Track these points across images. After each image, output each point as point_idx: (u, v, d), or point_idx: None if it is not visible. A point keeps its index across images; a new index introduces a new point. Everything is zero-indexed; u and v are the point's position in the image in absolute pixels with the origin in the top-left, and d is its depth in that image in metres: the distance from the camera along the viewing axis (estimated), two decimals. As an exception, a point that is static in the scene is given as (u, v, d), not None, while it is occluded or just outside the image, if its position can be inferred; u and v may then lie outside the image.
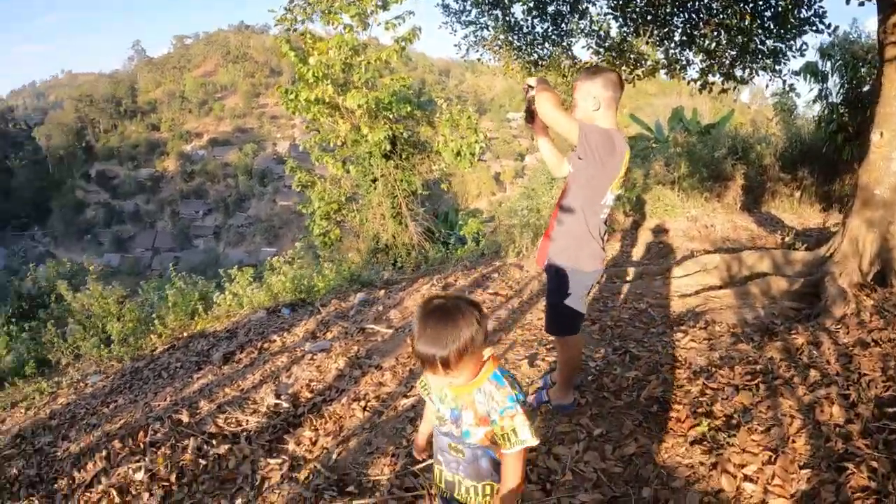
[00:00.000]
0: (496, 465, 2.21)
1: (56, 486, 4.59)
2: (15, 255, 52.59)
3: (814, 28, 7.46)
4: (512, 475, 2.13)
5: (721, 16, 7.63)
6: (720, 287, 6.17)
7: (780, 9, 7.35)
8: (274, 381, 5.68)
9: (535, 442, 2.10)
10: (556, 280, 3.59)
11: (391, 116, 13.51)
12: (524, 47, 9.67)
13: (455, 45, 11.38)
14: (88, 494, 4.31)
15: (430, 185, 17.07)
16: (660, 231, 8.21)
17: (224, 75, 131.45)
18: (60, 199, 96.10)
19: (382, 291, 8.65)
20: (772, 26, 7.62)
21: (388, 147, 13.41)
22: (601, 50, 9.61)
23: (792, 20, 7.39)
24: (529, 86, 3.37)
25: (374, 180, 14.17)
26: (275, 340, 6.98)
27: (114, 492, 4.22)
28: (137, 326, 9.03)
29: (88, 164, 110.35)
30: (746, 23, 7.30)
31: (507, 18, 9.48)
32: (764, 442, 3.03)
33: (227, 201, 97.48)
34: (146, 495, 4.11)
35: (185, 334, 8.36)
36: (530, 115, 3.44)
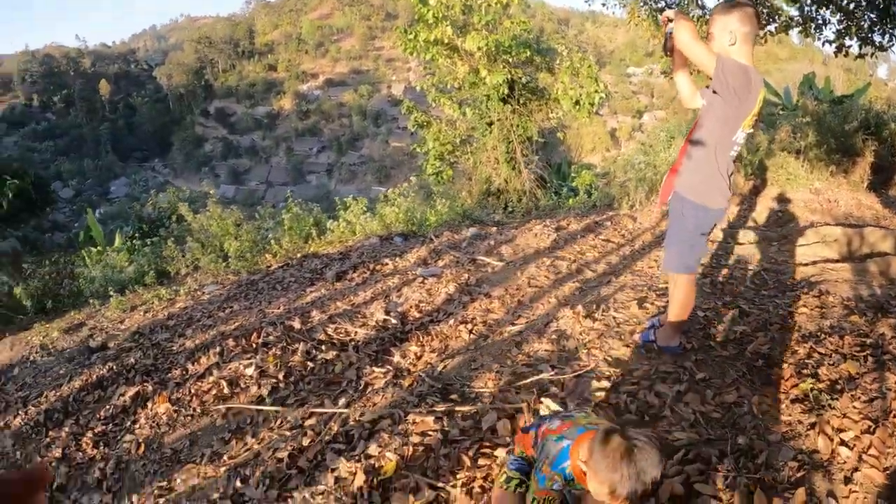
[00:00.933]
0: None
1: (169, 375, 4.90)
2: (136, 184, 56.12)
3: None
4: None
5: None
6: (838, 261, 5.87)
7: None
8: (384, 299, 5.80)
9: None
10: (680, 214, 3.54)
11: (510, 60, 13.33)
12: None
13: None
14: (199, 384, 4.58)
15: (546, 135, 16.85)
16: (780, 200, 7.78)
17: (340, 18, 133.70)
18: (180, 134, 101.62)
19: (494, 228, 8.65)
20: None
21: (506, 91, 13.29)
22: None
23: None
24: (668, 18, 3.28)
25: (490, 124, 14.09)
26: (387, 264, 7.11)
27: (224, 383, 4.48)
28: (253, 246, 9.44)
29: (207, 102, 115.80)
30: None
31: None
32: (865, 411, 2.90)
33: (341, 140, 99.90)
34: (254, 388, 4.33)
35: (298, 255, 8.65)
36: (669, 48, 3.35)
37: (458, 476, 2.84)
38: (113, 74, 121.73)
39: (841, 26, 8.16)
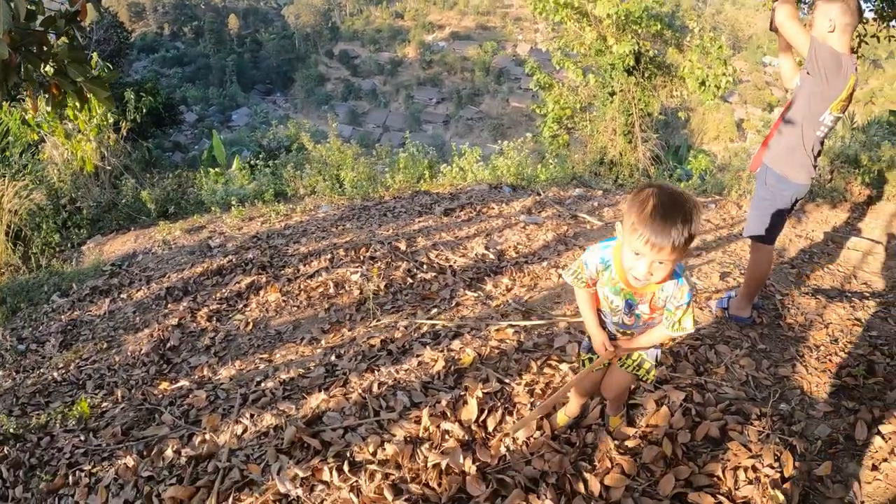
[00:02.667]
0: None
1: (282, 272, 5.44)
2: (257, 114, 58.41)
3: None
4: (661, 336, 2.34)
5: None
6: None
7: None
8: (486, 236, 6.14)
9: (692, 329, 2.26)
10: (763, 183, 3.77)
11: (639, 31, 13.15)
12: None
13: None
14: (309, 282, 5.09)
15: (668, 114, 16.58)
16: (893, 216, 7.54)
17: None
18: (303, 72, 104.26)
19: (600, 192, 8.81)
20: None
21: (632, 62, 13.13)
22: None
23: None
24: None
25: (612, 94, 14.00)
26: (493, 208, 7.43)
27: (331, 283, 4.98)
28: (368, 178, 10.00)
29: (332, 43, 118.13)
30: None
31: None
32: None
33: (461, 93, 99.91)
34: (356, 292, 4.79)
35: (409, 191, 9.10)
36: (774, 27, 3.58)
37: (523, 377, 3.19)
38: (242, 10, 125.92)
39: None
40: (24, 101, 10.20)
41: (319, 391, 3.22)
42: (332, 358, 3.67)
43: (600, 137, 14.50)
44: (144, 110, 12.21)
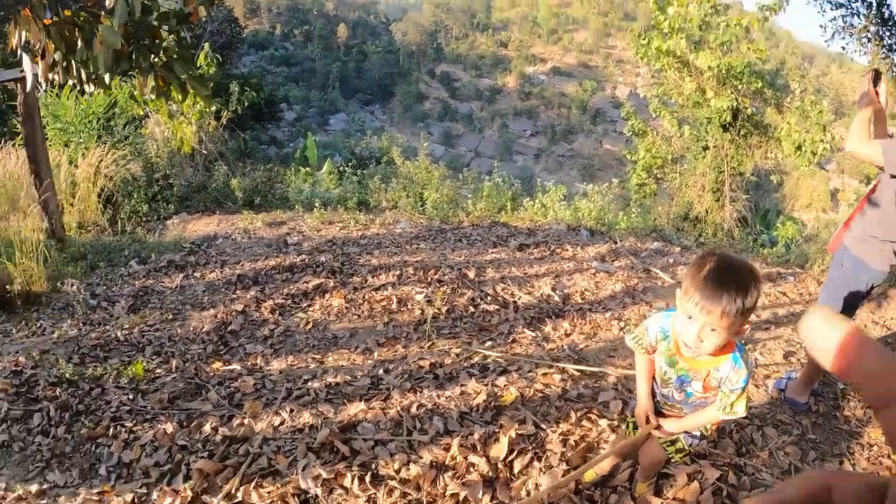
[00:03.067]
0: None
1: (351, 279, 5.57)
2: (354, 122, 59.78)
3: None
4: (710, 419, 2.28)
5: None
6: None
7: None
8: (554, 277, 6.14)
9: (744, 414, 2.20)
10: (839, 264, 3.65)
11: (739, 87, 12.94)
12: (895, 46, 8.70)
13: (820, 27, 10.54)
14: (374, 294, 5.20)
15: (760, 176, 16.17)
16: None
17: (578, 9, 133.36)
18: (403, 87, 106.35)
19: (678, 248, 8.68)
20: None
21: (729, 118, 12.88)
22: None
23: None
24: (876, 71, 3.50)
25: (706, 148, 13.76)
26: (567, 249, 7.43)
27: (395, 298, 5.07)
28: (451, 201, 10.16)
29: (435, 63, 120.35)
30: None
31: (883, 10, 8.55)
32: None
33: (555, 129, 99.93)
34: (418, 311, 4.86)
35: (489, 220, 9.19)
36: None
37: (560, 425, 3.17)
38: (352, 21, 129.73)
39: None
40: (134, 77, 10.80)
41: (360, 400, 3.30)
42: (380, 371, 3.75)
43: (688, 192, 14.25)
44: (246, 103, 12.72)
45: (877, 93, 3.49)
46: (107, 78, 2.93)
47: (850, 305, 3.69)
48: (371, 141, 17.99)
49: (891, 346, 5.54)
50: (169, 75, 3.10)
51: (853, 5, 9.09)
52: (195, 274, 5.99)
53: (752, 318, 5.79)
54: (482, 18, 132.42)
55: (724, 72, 12.25)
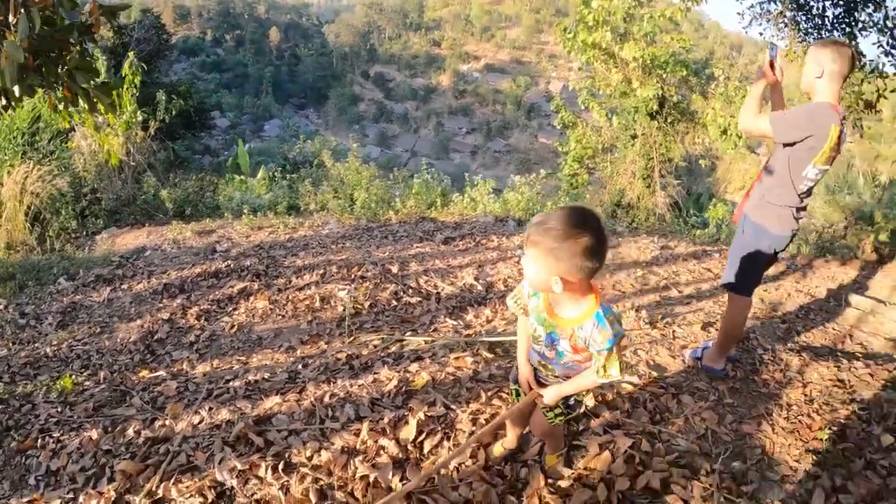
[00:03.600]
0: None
1: (275, 281, 5.66)
2: (289, 127, 59.17)
3: None
4: (587, 383, 2.32)
5: None
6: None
7: None
8: (478, 267, 6.29)
9: (623, 378, 2.31)
10: (743, 234, 3.75)
11: (664, 76, 13.25)
12: (810, 31, 9.08)
13: (738, 13, 10.95)
14: (298, 293, 5.30)
15: (691, 161, 16.57)
16: None
17: (510, 6, 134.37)
18: (338, 90, 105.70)
19: (609, 235, 8.93)
20: None
21: (655, 107, 13.16)
22: (894, 51, 8.89)
23: None
24: (772, 44, 3.64)
25: (634, 136, 14.02)
26: (492, 240, 7.59)
27: (317, 297, 5.17)
28: (380, 201, 10.26)
29: (368, 65, 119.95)
30: None
31: (798, -4, 8.95)
32: (875, 483, 2.96)
33: (491, 125, 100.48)
34: (340, 308, 4.98)
35: (417, 217, 9.32)
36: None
37: (470, 405, 3.28)
38: (284, 24, 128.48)
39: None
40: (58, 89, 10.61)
41: (276, 394, 3.42)
42: (299, 367, 3.87)
43: (619, 179, 14.49)
44: (175, 112, 12.57)
45: (772, 66, 3.62)
46: (16, 90, 2.98)
47: (754, 272, 3.79)
48: (305, 145, 17.91)
49: (812, 312, 5.77)
50: (73, 85, 3.17)
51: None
52: (122, 286, 6.01)
53: (604, 280, 6.10)
54: (415, 18, 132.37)
55: (648, 62, 12.47)
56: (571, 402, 2.55)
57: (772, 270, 6.92)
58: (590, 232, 1.96)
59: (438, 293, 5.44)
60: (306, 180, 11.58)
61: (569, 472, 2.82)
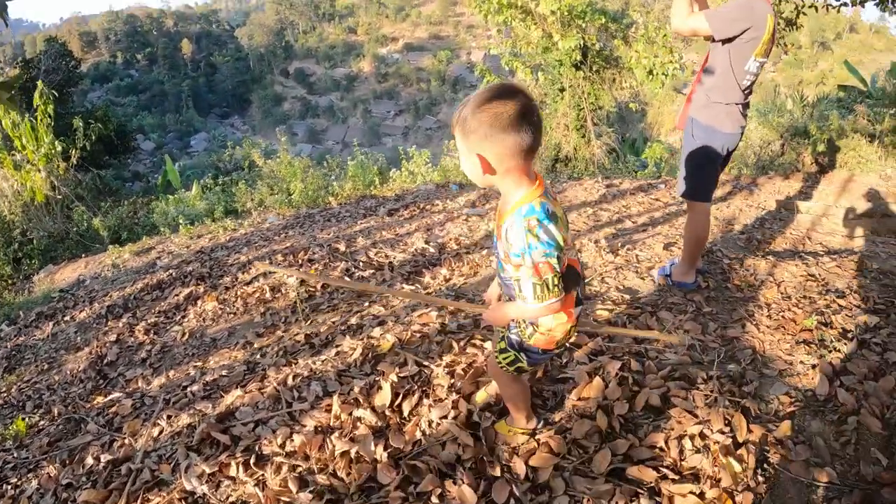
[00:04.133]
0: None
1: (221, 280, 5.41)
2: (216, 139, 58.18)
3: None
4: (514, 311, 2.01)
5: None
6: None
7: None
8: (427, 231, 6.15)
9: (541, 312, 1.88)
10: (690, 136, 3.67)
11: (584, 26, 13.16)
12: None
13: None
14: (246, 288, 5.05)
15: (622, 108, 16.64)
16: (847, 181, 7.63)
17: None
18: (259, 93, 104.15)
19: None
20: None
21: (579, 57, 13.14)
22: None
23: None
24: None
25: (562, 90, 14.02)
26: (437, 205, 7.45)
27: (267, 288, 4.93)
28: (318, 189, 9.99)
29: (287, 62, 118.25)
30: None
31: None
32: (873, 360, 2.91)
33: (418, 104, 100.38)
34: (292, 293, 4.75)
35: (357, 197, 9.11)
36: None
37: (444, 358, 3.10)
38: (195, 34, 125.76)
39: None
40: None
41: (237, 388, 3.20)
42: (257, 357, 3.65)
43: (554, 134, 14.48)
44: (94, 137, 12.07)
45: None
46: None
47: (710, 175, 3.72)
48: (234, 153, 17.51)
49: (766, 222, 5.83)
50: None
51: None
52: (65, 318, 5.69)
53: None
54: (327, 8, 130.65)
55: (566, 13, 12.40)
56: (515, 338, 2.17)
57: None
58: (515, 98, 1.71)
59: (391, 262, 5.26)
60: (240, 182, 11.23)
61: (559, 413, 2.66)
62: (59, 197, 10.49)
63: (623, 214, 6.28)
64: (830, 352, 3.00)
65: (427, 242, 5.69)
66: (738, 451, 2.29)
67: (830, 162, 8.42)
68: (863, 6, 9.42)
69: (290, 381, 3.09)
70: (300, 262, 5.49)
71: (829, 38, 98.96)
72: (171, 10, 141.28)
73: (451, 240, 5.75)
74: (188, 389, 3.41)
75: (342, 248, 5.72)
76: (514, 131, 1.70)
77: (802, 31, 10.45)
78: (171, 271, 6.02)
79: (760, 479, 2.24)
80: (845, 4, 9.38)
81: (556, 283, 1.81)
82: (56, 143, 10.37)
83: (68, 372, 4.47)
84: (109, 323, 5.15)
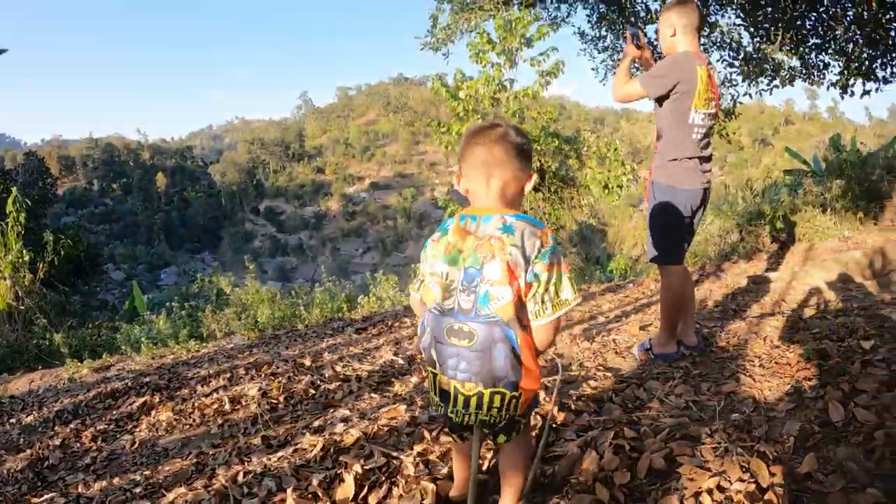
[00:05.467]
0: (515, 361, 1.80)
1: (179, 392, 5.12)
2: (186, 273, 57.77)
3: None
4: (545, 342, 1.88)
5: (850, 10, 7.43)
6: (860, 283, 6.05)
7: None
8: (395, 345, 6.03)
9: (578, 301, 1.84)
10: (653, 199, 3.72)
11: (539, 149, 13.66)
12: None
13: (592, 69, 11.97)
14: (204, 399, 4.76)
15: (584, 229, 17.01)
16: (809, 249, 7.89)
17: (385, 124, 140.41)
18: (230, 229, 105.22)
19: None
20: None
21: (538, 179, 13.53)
22: (735, 62, 9.56)
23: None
24: (632, 27, 3.97)
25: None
26: (405, 322, 7.35)
27: (226, 399, 4.65)
28: (285, 315, 9.81)
29: (258, 200, 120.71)
30: (874, 11, 7.03)
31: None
32: (881, 374, 2.80)
33: (385, 241, 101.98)
34: (253, 405, 4.49)
35: (325, 319, 8.97)
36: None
37: (414, 448, 2.83)
38: (170, 168, 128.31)
39: (843, 67, 8.58)
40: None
41: (181, 486, 2.90)
42: (208, 459, 3.38)
43: (519, 256, 14.59)
44: (63, 253, 11.87)
45: (639, 47, 3.86)
46: None
47: (677, 235, 3.71)
48: (203, 283, 17.35)
49: (738, 295, 5.94)
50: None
51: (617, 44, 10.94)
52: (10, 421, 5.32)
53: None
54: (296, 148, 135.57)
55: None
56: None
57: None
58: (519, 133, 1.96)
59: (358, 375, 5.02)
60: (206, 308, 11.00)
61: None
62: (23, 308, 10.17)
63: (595, 312, 6.30)
64: (836, 378, 2.90)
65: (396, 354, 5.51)
66: (766, 496, 2.04)
67: (789, 237, 8.65)
68: (792, 85, 9.96)
69: (240, 479, 2.78)
70: (263, 375, 5.25)
71: (768, 134, 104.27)
72: (147, 143, 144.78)
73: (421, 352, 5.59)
74: (129, 491, 3.11)
75: (307, 362, 5.51)
76: (521, 160, 2.00)
77: (742, 132, 11.13)
78: (126, 381, 5.71)
79: (799, 519, 2.01)
80: (777, 87, 9.87)
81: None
82: (24, 252, 10.18)
83: (4, 471, 4.11)
84: (56, 428, 4.79)
